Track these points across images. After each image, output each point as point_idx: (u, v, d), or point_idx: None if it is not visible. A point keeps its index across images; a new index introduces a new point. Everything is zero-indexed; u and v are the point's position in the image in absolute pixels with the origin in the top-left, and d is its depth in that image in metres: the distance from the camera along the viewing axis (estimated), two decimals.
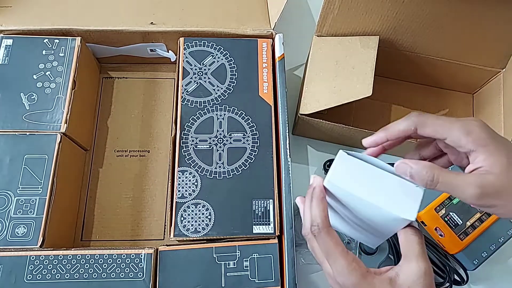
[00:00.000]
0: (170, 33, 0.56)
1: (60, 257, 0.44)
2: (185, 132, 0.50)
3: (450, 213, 0.52)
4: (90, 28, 0.55)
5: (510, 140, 0.30)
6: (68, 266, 0.44)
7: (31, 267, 0.43)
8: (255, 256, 0.45)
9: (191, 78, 0.53)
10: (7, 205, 0.46)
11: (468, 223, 0.52)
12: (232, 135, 0.51)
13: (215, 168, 0.49)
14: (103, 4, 0.57)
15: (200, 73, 0.54)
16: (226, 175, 0.49)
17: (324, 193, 0.34)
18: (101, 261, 0.44)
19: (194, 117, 0.51)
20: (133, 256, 0.44)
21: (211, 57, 0.55)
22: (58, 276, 0.43)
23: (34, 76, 0.52)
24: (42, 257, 0.44)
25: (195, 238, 0.46)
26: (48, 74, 0.52)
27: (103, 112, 0.61)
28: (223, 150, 0.50)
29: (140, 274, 0.44)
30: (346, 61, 0.55)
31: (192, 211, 0.47)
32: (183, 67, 0.54)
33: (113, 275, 0.44)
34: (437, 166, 0.31)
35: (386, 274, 0.31)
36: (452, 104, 0.66)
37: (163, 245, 0.46)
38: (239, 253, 0.45)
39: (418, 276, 0.30)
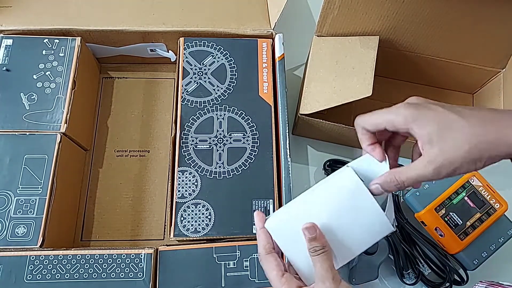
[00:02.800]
0: (170, 33, 0.56)
1: (60, 257, 0.44)
2: (185, 132, 0.50)
3: (450, 213, 0.52)
4: (90, 28, 0.55)
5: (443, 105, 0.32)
6: (68, 266, 0.43)
7: (31, 267, 0.43)
8: (255, 256, 0.45)
9: (191, 78, 0.53)
10: (7, 205, 0.46)
11: (468, 223, 0.52)
12: (232, 135, 0.51)
13: (215, 168, 0.49)
14: (103, 4, 0.57)
15: (200, 73, 0.54)
16: (226, 175, 0.49)
17: (262, 223, 0.37)
18: (101, 261, 0.44)
19: (194, 117, 0.51)
20: (133, 256, 0.44)
21: (211, 57, 0.55)
22: (58, 276, 0.43)
23: (34, 76, 0.52)
24: (42, 257, 0.44)
25: (195, 238, 0.46)
26: (48, 74, 0.52)
27: (103, 112, 0.61)
28: (223, 150, 0.50)
29: (140, 274, 0.44)
30: (346, 61, 0.55)
31: (192, 211, 0.47)
32: (183, 67, 0.54)
33: (113, 275, 0.44)
34: (394, 170, 0.33)
35: None
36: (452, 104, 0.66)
37: (163, 245, 0.46)
38: (239, 253, 0.45)
39: None
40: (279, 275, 0.34)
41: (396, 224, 0.53)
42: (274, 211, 0.47)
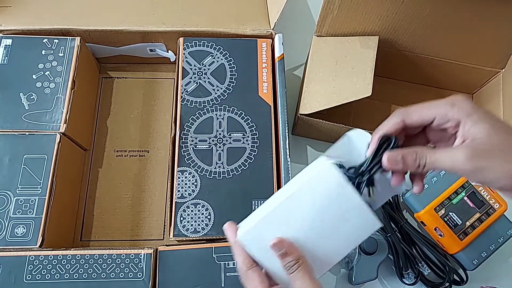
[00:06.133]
0: (169, 33, 0.56)
1: (60, 257, 0.44)
2: (185, 132, 0.50)
3: (450, 213, 0.52)
4: (90, 28, 0.55)
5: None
6: (68, 266, 0.43)
7: (31, 267, 0.43)
8: None
9: (191, 78, 0.53)
10: (6, 205, 0.46)
11: (468, 223, 0.52)
12: (231, 135, 0.51)
13: (215, 168, 0.49)
14: (102, 4, 0.57)
15: (199, 73, 0.54)
16: (226, 175, 0.49)
17: (234, 235, 0.34)
18: (100, 261, 0.44)
19: (194, 117, 0.51)
20: (132, 256, 0.44)
21: (210, 57, 0.55)
22: (57, 276, 0.43)
23: (34, 76, 0.52)
24: (41, 257, 0.44)
25: (194, 238, 0.46)
26: (48, 74, 0.52)
27: (102, 112, 0.61)
28: (222, 150, 0.50)
29: (139, 274, 0.44)
30: (346, 61, 0.55)
31: (192, 211, 0.47)
32: (182, 67, 0.54)
33: (112, 275, 0.43)
34: (419, 147, 0.31)
35: None
36: None
37: (163, 245, 0.46)
38: None
39: None
40: None
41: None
42: None
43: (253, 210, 0.47)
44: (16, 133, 0.49)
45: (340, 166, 0.32)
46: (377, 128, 0.33)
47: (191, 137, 0.50)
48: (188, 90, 0.53)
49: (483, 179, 0.29)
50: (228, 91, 0.53)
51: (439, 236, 0.52)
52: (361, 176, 0.31)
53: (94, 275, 0.43)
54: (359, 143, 0.33)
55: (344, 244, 0.33)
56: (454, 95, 0.31)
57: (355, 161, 0.32)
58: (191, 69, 0.54)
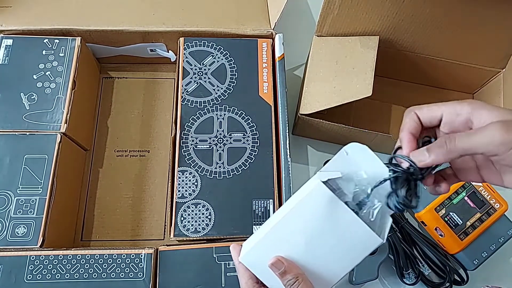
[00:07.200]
0: (170, 33, 0.56)
1: (60, 257, 0.44)
2: (185, 132, 0.50)
3: (450, 213, 0.52)
4: (90, 28, 0.55)
5: None
6: (68, 266, 0.43)
7: (31, 267, 0.43)
8: None
9: (191, 78, 0.53)
10: (7, 205, 0.46)
11: (468, 223, 0.52)
12: (232, 135, 0.51)
13: (215, 168, 0.49)
14: (103, 4, 0.57)
15: (200, 73, 0.54)
16: (226, 175, 0.49)
17: (237, 260, 0.34)
18: (101, 261, 0.44)
19: (194, 117, 0.51)
20: (133, 256, 0.44)
21: (211, 57, 0.55)
22: (58, 276, 0.43)
23: (34, 76, 0.52)
24: (42, 257, 0.44)
25: (195, 238, 0.46)
26: (48, 74, 0.52)
27: (103, 112, 0.61)
28: (223, 150, 0.50)
29: (140, 274, 0.44)
30: (346, 61, 0.55)
31: (192, 211, 0.47)
32: (183, 67, 0.54)
33: (113, 275, 0.44)
34: (448, 135, 0.29)
35: None
36: None
37: (163, 245, 0.46)
38: None
39: None
40: None
41: (395, 230, 0.53)
42: (274, 211, 0.47)
43: (254, 210, 0.47)
44: (16, 133, 0.49)
45: (332, 186, 0.32)
46: (400, 131, 0.32)
47: (191, 137, 0.50)
48: (189, 90, 0.53)
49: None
50: (228, 91, 0.53)
51: (440, 236, 0.52)
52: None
53: (95, 275, 0.43)
54: (356, 156, 0.33)
55: (345, 261, 0.33)
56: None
57: (351, 175, 0.32)
58: (191, 69, 0.54)
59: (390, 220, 0.32)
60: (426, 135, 0.31)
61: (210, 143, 0.50)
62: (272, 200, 0.48)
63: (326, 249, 0.32)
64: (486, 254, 0.52)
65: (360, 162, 0.33)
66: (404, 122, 0.31)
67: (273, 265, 0.32)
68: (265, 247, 0.33)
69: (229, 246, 0.44)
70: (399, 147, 0.32)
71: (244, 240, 0.46)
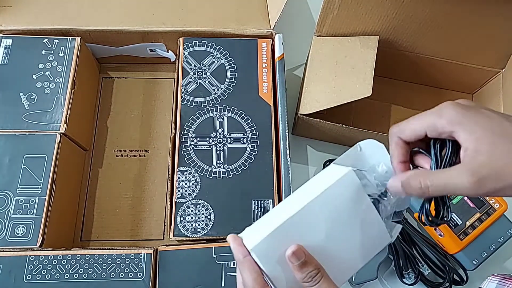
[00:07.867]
0: (169, 33, 0.56)
1: (60, 257, 0.44)
2: (185, 132, 0.50)
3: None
4: (90, 28, 0.55)
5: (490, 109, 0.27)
6: (68, 266, 0.43)
7: (31, 267, 0.43)
8: None
9: (191, 78, 0.53)
10: (6, 205, 0.46)
11: (468, 223, 0.52)
12: (231, 135, 0.51)
13: (215, 168, 0.49)
14: (103, 4, 0.57)
15: (199, 73, 0.54)
16: (226, 175, 0.49)
17: (243, 249, 0.30)
18: (100, 261, 0.44)
19: (194, 117, 0.51)
20: (132, 256, 0.44)
21: (210, 57, 0.55)
22: (57, 276, 0.43)
23: (34, 76, 0.52)
24: (41, 257, 0.44)
25: (194, 238, 0.46)
26: (48, 74, 0.52)
27: (102, 112, 0.61)
28: (222, 150, 0.50)
29: (139, 274, 0.44)
30: (346, 61, 0.55)
31: (192, 211, 0.47)
32: (182, 67, 0.54)
33: (112, 275, 0.43)
34: (421, 171, 0.29)
35: None
36: None
37: (163, 245, 0.46)
38: None
39: None
40: None
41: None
42: None
43: (253, 210, 0.47)
44: (16, 133, 0.49)
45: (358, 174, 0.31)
46: (391, 159, 0.31)
47: (191, 137, 0.50)
48: (188, 90, 0.53)
49: (505, 196, 0.26)
50: (228, 91, 0.53)
51: (439, 236, 0.52)
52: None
53: (94, 275, 0.43)
54: (370, 153, 0.32)
55: (360, 256, 0.31)
56: (441, 104, 0.28)
57: (374, 167, 0.32)
58: (191, 69, 0.54)
59: (400, 226, 0.32)
60: (414, 147, 0.30)
61: (209, 143, 0.50)
62: (271, 200, 0.48)
63: (343, 241, 0.30)
64: (485, 254, 0.52)
65: (372, 158, 0.32)
66: (391, 150, 0.31)
67: (294, 254, 0.28)
68: (283, 236, 0.29)
69: (229, 246, 0.44)
70: None
71: None
